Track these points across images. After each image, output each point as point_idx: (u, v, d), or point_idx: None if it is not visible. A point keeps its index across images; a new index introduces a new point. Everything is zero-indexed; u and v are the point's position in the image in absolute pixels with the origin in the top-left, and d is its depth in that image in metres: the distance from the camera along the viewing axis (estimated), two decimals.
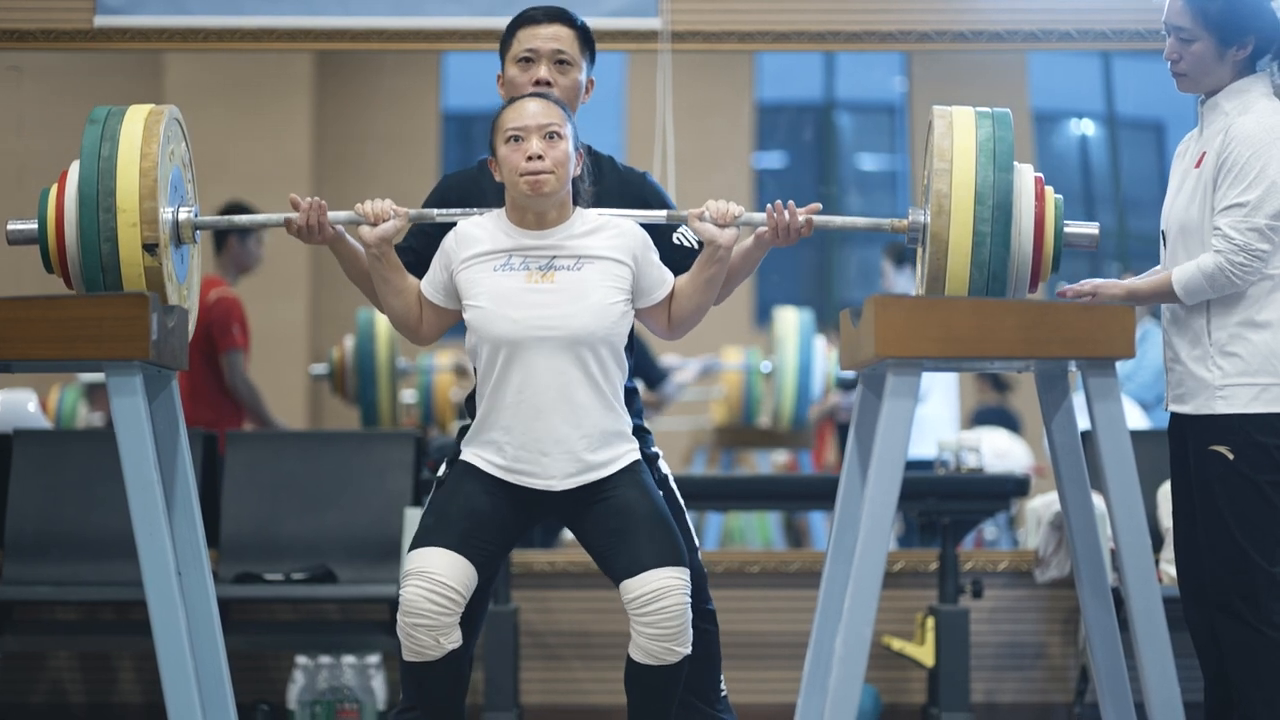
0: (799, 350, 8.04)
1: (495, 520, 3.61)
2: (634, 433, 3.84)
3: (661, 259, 3.72)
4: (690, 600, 3.54)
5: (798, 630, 5.84)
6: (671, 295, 3.68)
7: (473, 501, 3.60)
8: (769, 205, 3.64)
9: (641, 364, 7.59)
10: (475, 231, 3.65)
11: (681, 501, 3.93)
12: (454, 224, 3.70)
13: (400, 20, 6.21)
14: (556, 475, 3.59)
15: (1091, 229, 3.58)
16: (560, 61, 3.89)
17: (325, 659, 5.76)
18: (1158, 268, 4.20)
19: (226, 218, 3.84)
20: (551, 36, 3.89)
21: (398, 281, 3.68)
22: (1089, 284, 3.92)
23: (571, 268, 3.59)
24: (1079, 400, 3.56)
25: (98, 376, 6.11)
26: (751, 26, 6.24)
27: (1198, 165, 3.98)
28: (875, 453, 3.42)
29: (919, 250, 3.56)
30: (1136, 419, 7.07)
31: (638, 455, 3.67)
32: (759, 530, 8.77)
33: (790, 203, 3.63)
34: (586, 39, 3.94)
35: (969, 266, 3.41)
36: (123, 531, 3.62)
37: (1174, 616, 3.61)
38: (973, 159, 3.43)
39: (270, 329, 7.24)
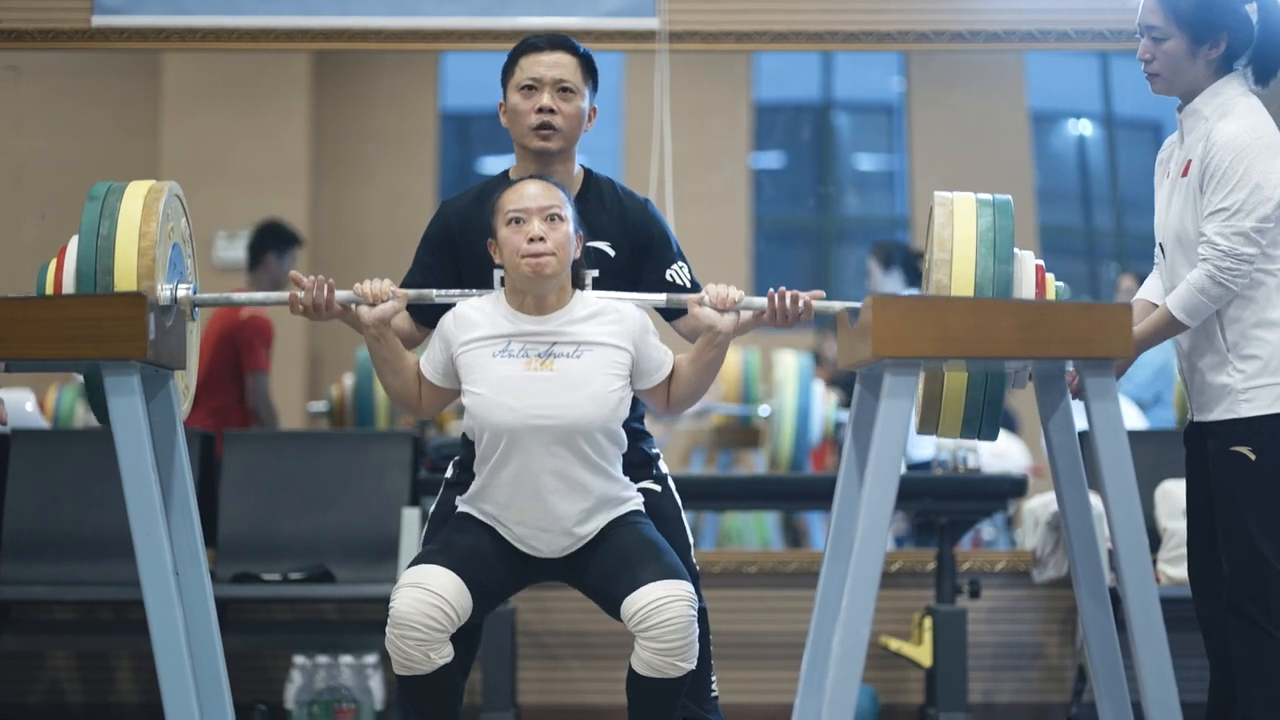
0: (797, 394, 8.03)
1: (496, 561, 3.63)
2: (635, 435, 3.85)
3: (653, 288, 3.76)
4: (695, 615, 3.54)
5: (795, 630, 5.85)
6: (671, 377, 3.69)
7: (479, 539, 3.64)
8: (770, 291, 3.65)
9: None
10: (474, 315, 3.64)
11: (679, 500, 3.94)
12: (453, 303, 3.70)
13: (398, 20, 6.21)
14: (555, 549, 3.64)
15: None
16: (563, 89, 3.87)
17: (323, 659, 5.76)
18: (1150, 280, 4.19)
19: (225, 295, 3.84)
20: (554, 64, 3.88)
21: (396, 361, 3.68)
22: None
23: (571, 354, 3.59)
24: (1076, 400, 3.57)
25: None
26: (749, 26, 6.24)
27: (1185, 174, 3.97)
28: (873, 452, 3.41)
29: None
30: (1134, 419, 7.07)
31: (633, 506, 3.69)
32: (756, 530, 8.77)
33: (793, 291, 3.64)
34: (590, 67, 3.92)
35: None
36: (120, 531, 3.62)
37: (1171, 616, 3.60)
38: (973, 249, 3.45)
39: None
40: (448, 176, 10.10)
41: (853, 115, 11.13)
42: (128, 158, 9.09)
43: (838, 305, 3.69)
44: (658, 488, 3.89)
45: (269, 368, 6.86)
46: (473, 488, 3.67)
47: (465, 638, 3.65)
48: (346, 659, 5.76)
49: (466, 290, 3.72)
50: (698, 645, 3.55)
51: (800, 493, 6.55)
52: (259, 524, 5.92)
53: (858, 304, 3.73)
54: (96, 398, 3.53)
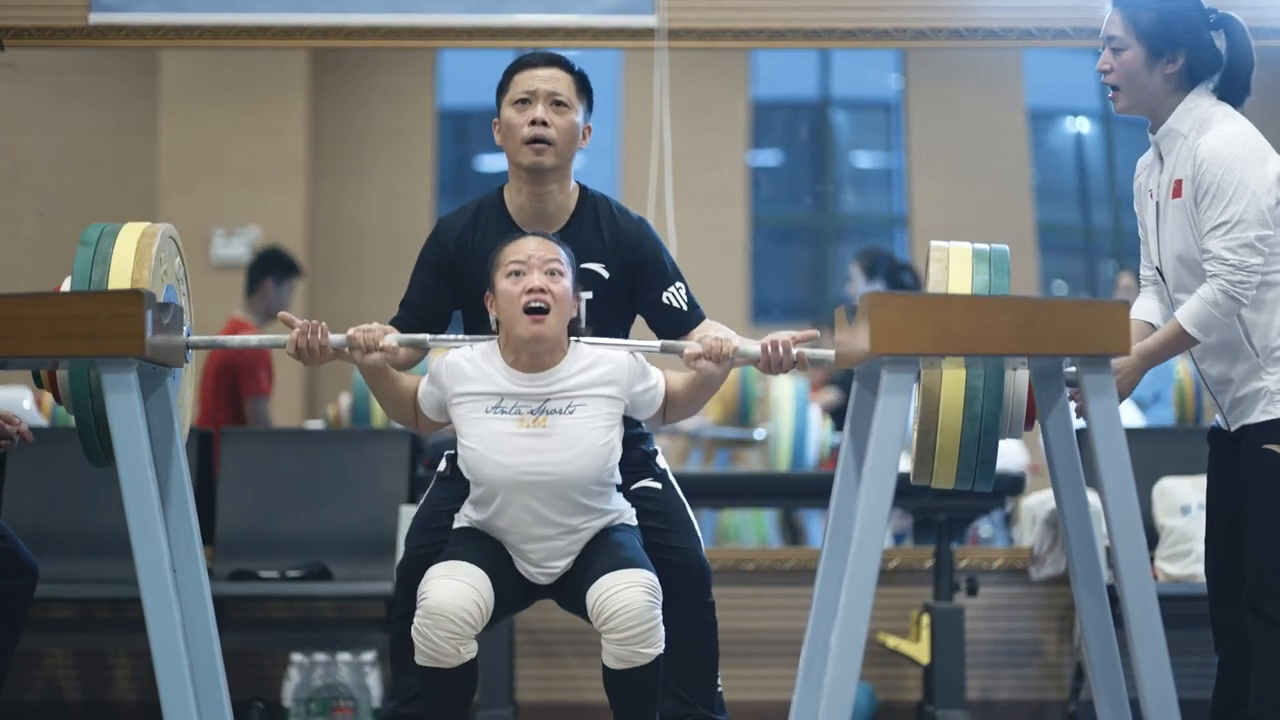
0: (794, 417, 8.03)
1: (510, 570, 3.66)
2: (634, 431, 3.85)
3: (650, 316, 3.79)
4: (654, 600, 3.54)
5: (793, 627, 5.85)
6: (666, 402, 3.71)
7: (498, 550, 3.65)
8: (764, 342, 3.65)
9: None
10: (468, 369, 3.63)
11: (682, 495, 3.93)
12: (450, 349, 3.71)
13: (396, 17, 6.21)
14: (552, 579, 3.67)
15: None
16: (557, 102, 3.85)
17: (320, 656, 5.76)
18: (1143, 297, 4.17)
19: (221, 338, 3.84)
20: (548, 78, 3.86)
21: (394, 392, 3.71)
22: None
23: (564, 410, 3.59)
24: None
25: None
26: (747, 24, 6.24)
27: (1176, 195, 3.96)
28: (870, 450, 3.41)
29: (915, 387, 3.57)
30: (1132, 416, 7.07)
31: (622, 521, 3.70)
32: (754, 528, 8.77)
33: (785, 341, 3.64)
34: (584, 85, 3.91)
35: (961, 421, 3.44)
36: (118, 529, 3.61)
37: (1169, 614, 3.60)
38: None
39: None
40: (445, 174, 10.11)
41: (851, 113, 11.14)
42: (125, 156, 9.09)
43: (831, 354, 3.70)
44: (658, 485, 3.88)
45: (270, 391, 6.87)
46: (474, 518, 3.69)
47: None
48: (344, 657, 5.75)
49: (461, 337, 3.71)
50: (661, 630, 3.55)
51: (798, 490, 6.56)
52: (257, 522, 5.92)
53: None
54: (81, 397, 3.51)
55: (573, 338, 3.65)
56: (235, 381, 6.77)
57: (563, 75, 3.88)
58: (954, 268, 3.49)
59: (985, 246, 3.54)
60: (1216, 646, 4.06)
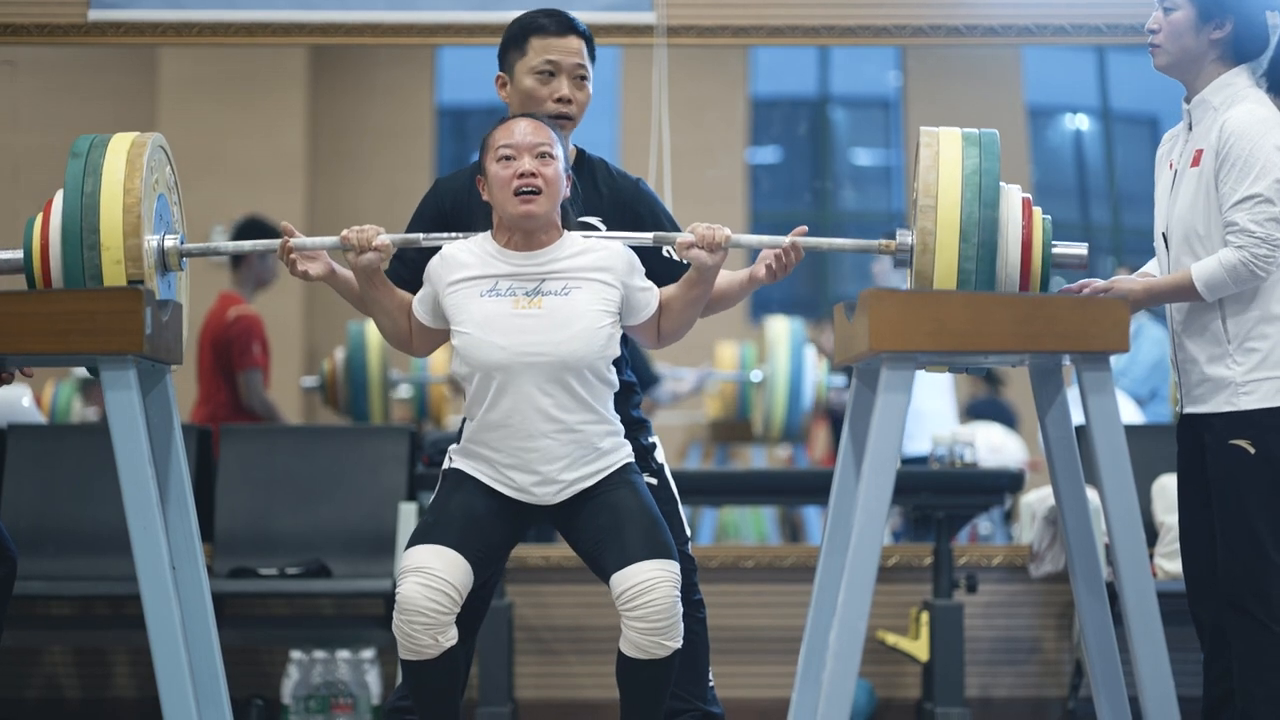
0: (790, 358, 8.04)
1: (492, 521, 3.61)
2: (632, 424, 3.85)
3: (651, 272, 3.73)
4: (680, 594, 3.54)
5: (792, 625, 5.84)
6: (660, 311, 3.69)
7: (470, 502, 3.61)
8: (773, 254, 3.68)
9: (636, 366, 7.59)
10: (461, 255, 3.63)
11: (676, 492, 3.94)
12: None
13: (395, 14, 6.21)
14: (549, 493, 3.61)
15: (1080, 249, 3.60)
16: (580, 76, 3.88)
17: (320, 654, 5.76)
18: (1148, 267, 4.19)
19: (213, 245, 3.83)
20: (571, 50, 3.87)
21: (387, 302, 3.69)
22: (1104, 283, 3.91)
23: (559, 292, 3.58)
24: (1073, 395, 3.56)
25: None
26: (746, 21, 6.23)
27: (1195, 164, 3.97)
28: (870, 447, 3.42)
29: (908, 272, 3.57)
30: (1131, 414, 7.08)
31: (629, 459, 3.67)
32: (754, 525, 8.78)
33: (792, 245, 3.65)
34: (592, 46, 3.94)
35: None
36: (117, 526, 3.62)
37: (1168, 611, 3.60)
38: (958, 195, 3.44)
39: (266, 325, 7.23)
40: (444, 171, 10.09)
41: (850, 110, 11.14)
42: None
43: (825, 242, 3.69)
44: (654, 481, 3.89)
45: (264, 363, 6.85)
46: (464, 435, 3.66)
47: (467, 620, 3.64)
48: (343, 654, 5.76)
49: (453, 234, 3.70)
50: (682, 625, 3.54)
51: (797, 487, 6.56)
52: (256, 519, 5.92)
53: (842, 239, 3.74)
54: None
55: (565, 228, 3.65)
56: (229, 359, 6.75)
57: (581, 45, 3.90)
58: (944, 152, 3.49)
59: (975, 130, 3.54)
60: (1201, 644, 4.06)
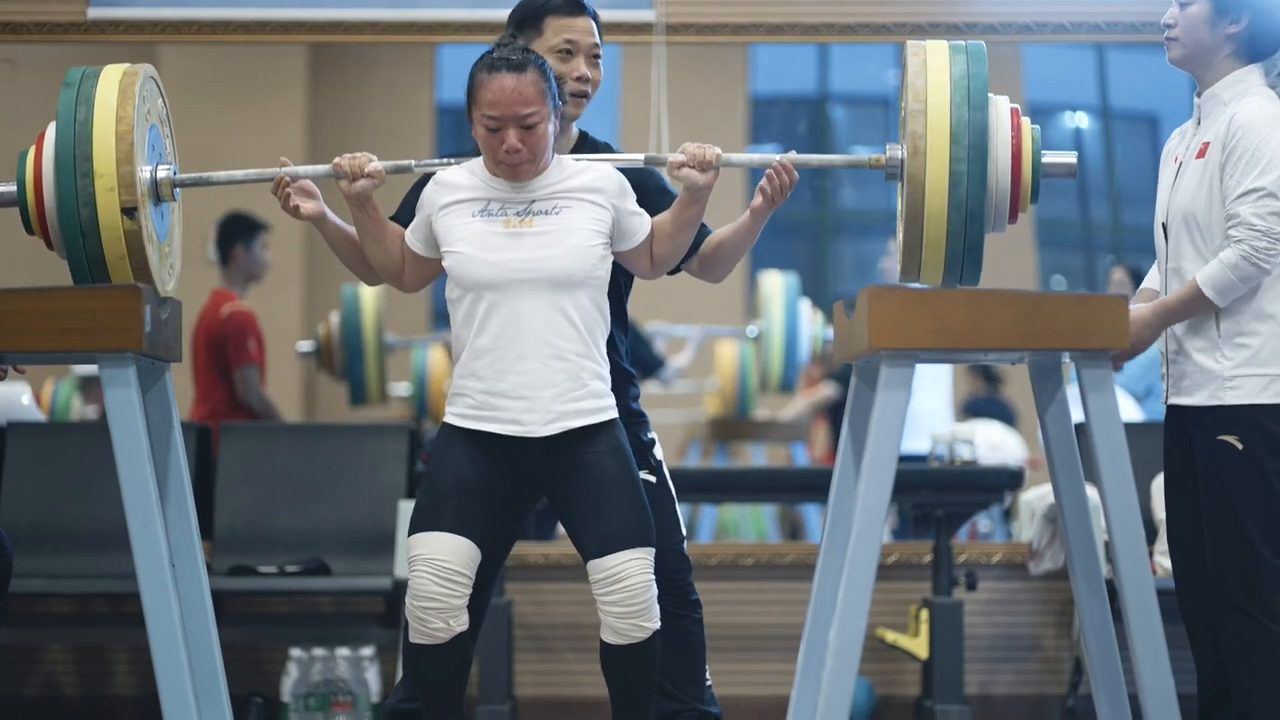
0: (785, 313, 8.04)
1: (485, 490, 3.60)
2: (631, 416, 3.85)
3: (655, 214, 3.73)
4: (653, 577, 3.55)
5: (791, 623, 5.84)
6: (651, 236, 3.68)
7: (460, 472, 3.59)
8: (768, 173, 3.65)
9: (639, 352, 7.60)
10: (455, 179, 3.65)
11: (673, 490, 3.93)
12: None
13: (394, 12, 6.20)
14: (537, 421, 3.57)
15: (1069, 158, 3.60)
16: (595, 56, 3.93)
17: (319, 651, 5.76)
18: (1149, 280, 4.18)
19: (206, 175, 3.80)
20: (587, 30, 3.92)
21: (378, 232, 3.69)
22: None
23: (550, 211, 3.59)
24: (1073, 392, 3.57)
25: (92, 369, 6.12)
26: (745, 19, 6.23)
27: (1200, 155, 3.97)
28: (869, 445, 3.42)
29: (898, 186, 3.57)
30: (1130, 411, 7.08)
31: (612, 414, 3.64)
32: (753, 523, 8.78)
33: (784, 163, 3.63)
34: (600, 27, 3.97)
35: (946, 207, 3.42)
36: (117, 524, 3.62)
37: (1168, 608, 3.61)
38: (947, 98, 3.44)
39: (264, 322, 7.23)
40: None
41: (849, 108, 11.15)
42: None
43: (815, 159, 3.70)
44: (653, 479, 3.88)
45: (260, 359, 6.84)
46: (455, 376, 3.65)
47: (471, 607, 3.65)
48: (343, 651, 5.76)
49: (446, 159, 3.71)
50: (658, 607, 3.56)
51: (796, 485, 6.56)
52: (255, 517, 5.92)
53: (832, 156, 3.76)
54: None
55: (557, 155, 3.65)
56: (224, 353, 6.74)
57: (592, 26, 3.95)
58: (932, 60, 3.50)
59: (962, 41, 3.55)
60: (1191, 643, 4.06)
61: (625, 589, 3.52)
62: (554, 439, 3.58)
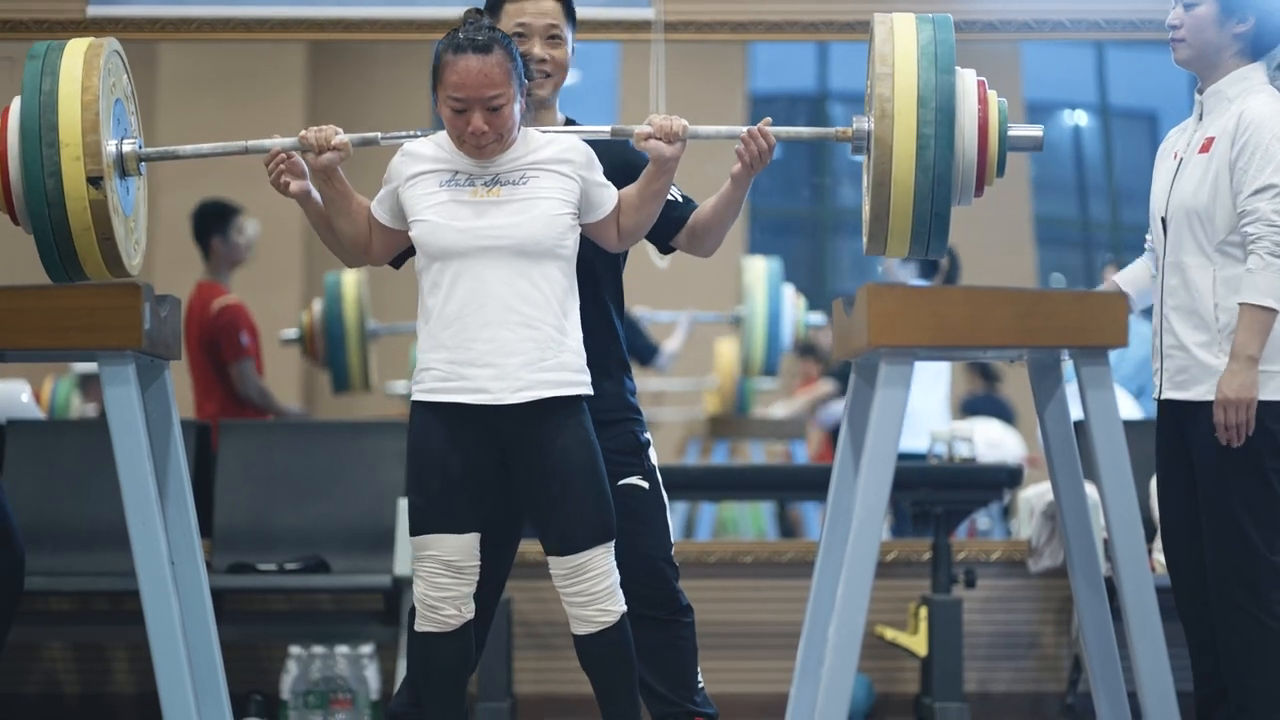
0: (768, 297, 8.04)
1: (473, 477, 3.61)
2: (628, 413, 3.84)
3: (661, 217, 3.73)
4: (614, 565, 3.59)
5: (791, 620, 5.84)
6: (619, 208, 3.68)
7: (447, 469, 3.59)
8: (743, 138, 3.71)
9: (634, 342, 7.60)
10: (422, 150, 3.65)
11: (665, 496, 3.91)
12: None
13: (394, 10, 6.21)
14: (506, 389, 3.56)
15: (1035, 131, 3.61)
16: (552, 36, 3.87)
17: (318, 649, 5.76)
18: (1134, 266, 4.19)
19: (171, 149, 3.80)
20: (544, 12, 3.87)
21: (345, 204, 3.69)
22: (1229, 403, 3.86)
23: (517, 181, 3.60)
24: (1072, 390, 3.57)
25: (91, 367, 6.11)
26: (744, 16, 6.24)
27: (1203, 150, 3.97)
28: (868, 443, 3.42)
29: (865, 158, 3.58)
30: (1129, 409, 7.08)
31: (587, 389, 3.63)
32: (752, 520, 8.78)
33: (762, 130, 3.69)
34: (570, 9, 3.92)
35: (914, 170, 3.43)
36: (116, 522, 3.62)
37: (1167, 606, 3.61)
38: (914, 63, 3.46)
39: (264, 321, 7.23)
40: None
41: (848, 106, 11.11)
42: None
43: (785, 130, 3.70)
44: (645, 484, 3.85)
45: (255, 352, 6.83)
46: (422, 348, 3.64)
47: (480, 605, 3.66)
48: (342, 649, 5.76)
49: (412, 131, 3.71)
50: (621, 592, 3.60)
51: (795, 483, 6.56)
52: (254, 515, 5.92)
53: (800, 128, 3.77)
54: None
55: (523, 128, 3.65)
56: (217, 348, 6.73)
57: (553, 5, 3.88)
58: (898, 28, 3.51)
59: (929, 14, 3.56)
60: (1188, 639, 4.06)
61: (585, 580, 3.58)
62: (522, 408, 3.57)
